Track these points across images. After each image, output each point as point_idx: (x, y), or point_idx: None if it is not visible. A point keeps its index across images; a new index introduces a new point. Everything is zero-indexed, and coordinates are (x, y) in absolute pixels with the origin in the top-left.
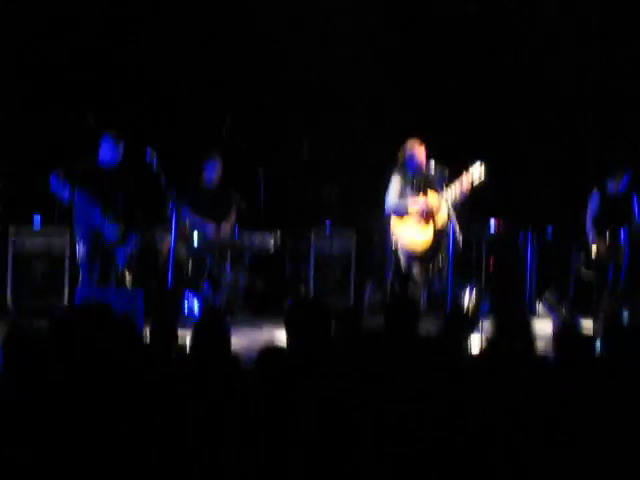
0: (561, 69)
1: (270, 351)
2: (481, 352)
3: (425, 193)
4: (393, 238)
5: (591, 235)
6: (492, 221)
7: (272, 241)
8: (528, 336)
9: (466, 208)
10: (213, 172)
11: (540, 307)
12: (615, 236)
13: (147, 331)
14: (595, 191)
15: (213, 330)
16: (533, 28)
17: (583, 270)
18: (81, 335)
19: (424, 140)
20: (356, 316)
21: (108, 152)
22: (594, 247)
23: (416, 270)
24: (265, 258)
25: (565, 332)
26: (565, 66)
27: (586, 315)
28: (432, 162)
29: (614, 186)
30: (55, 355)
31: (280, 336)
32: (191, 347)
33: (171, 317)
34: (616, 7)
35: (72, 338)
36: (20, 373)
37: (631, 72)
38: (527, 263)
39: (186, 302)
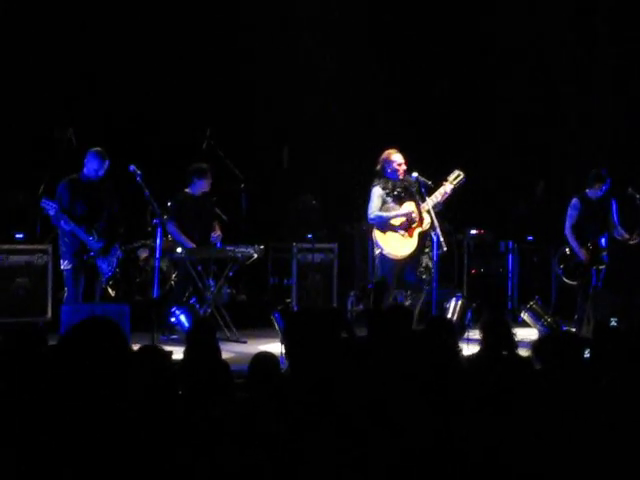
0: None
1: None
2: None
3: (407, 203)
4: (376, 249)
5: (570, 240)
6: (473, 231)
7: (255, 254)
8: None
9: (447, 219)
10: (205, 184)
11: (525, 316)
12: (596, 242)
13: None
14: (575, 198)
15: (205, 339)
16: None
17: (564, 279)
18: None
19: (404, 150)
20: (348, 323)
21: (93, 168)
22: (582, 253)
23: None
24: (248, 271)
25: (556, 339)
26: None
27: (568, 322)
28: (415, 173)
29: (594, 193)
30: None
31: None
32: (185, 356)
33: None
34: None
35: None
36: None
37: None
38: (509, 272)
39: (173, 317)
